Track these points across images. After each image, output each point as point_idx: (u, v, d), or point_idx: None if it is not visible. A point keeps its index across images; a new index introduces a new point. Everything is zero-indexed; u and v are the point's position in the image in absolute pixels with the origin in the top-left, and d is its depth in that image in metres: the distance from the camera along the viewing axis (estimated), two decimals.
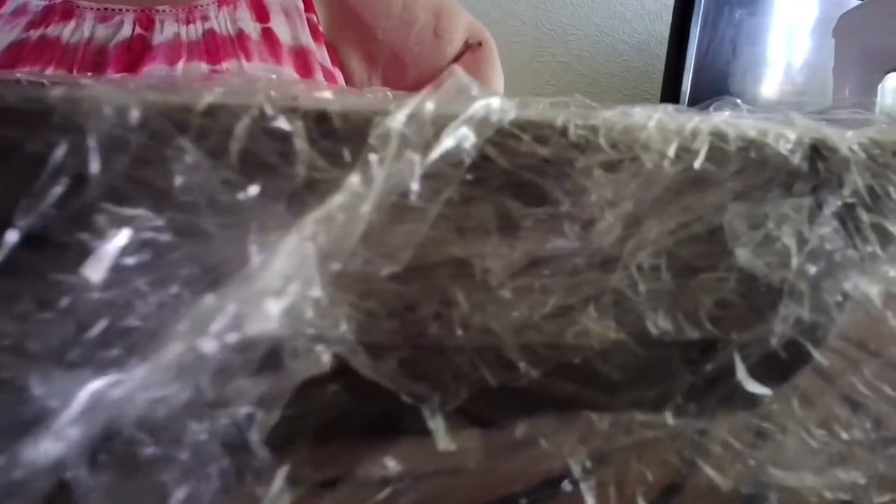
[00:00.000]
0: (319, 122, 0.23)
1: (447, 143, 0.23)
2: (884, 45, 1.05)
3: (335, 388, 0.25)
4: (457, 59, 1.10)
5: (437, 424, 0.25)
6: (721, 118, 0.29)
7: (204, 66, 0.87)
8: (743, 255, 0.30)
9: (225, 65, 0.88)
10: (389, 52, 1.03)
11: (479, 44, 1.10)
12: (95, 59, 0.84)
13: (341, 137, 0.23)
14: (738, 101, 0.39)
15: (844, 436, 0.31)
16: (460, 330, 0.27)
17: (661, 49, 1.67)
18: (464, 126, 0.24)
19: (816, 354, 0.30)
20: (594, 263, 0.28)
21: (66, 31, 0.83)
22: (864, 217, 0.30)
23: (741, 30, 1.73)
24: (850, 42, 1.09)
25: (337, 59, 1.00)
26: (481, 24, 1.06)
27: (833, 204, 0.30)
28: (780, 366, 0.30)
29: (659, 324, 0.29)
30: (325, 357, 0.24)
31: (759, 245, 0.30)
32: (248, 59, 0.90)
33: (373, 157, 0.22)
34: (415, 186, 0.24)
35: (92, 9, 0.86)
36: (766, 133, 0.29)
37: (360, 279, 0.24)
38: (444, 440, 0.25)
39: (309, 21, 0.96)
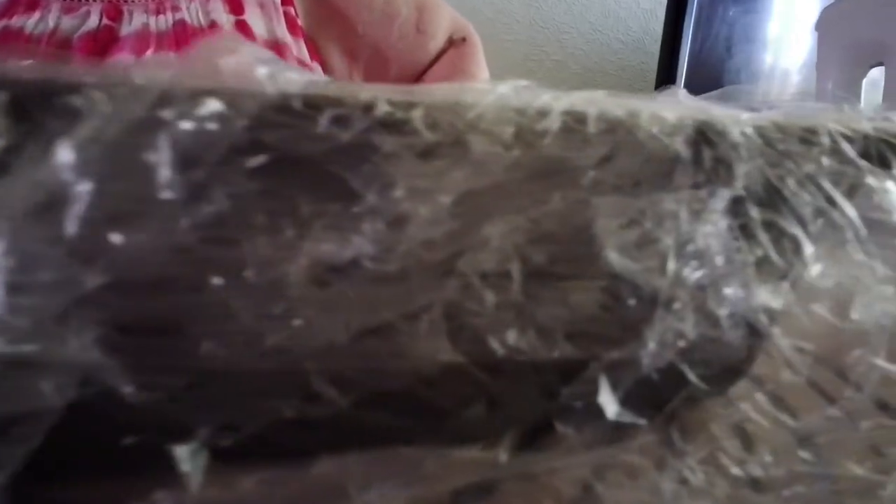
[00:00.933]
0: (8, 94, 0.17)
1: (183, 122, 0.17)
2: (868, 38, 0.97)
3: (68, 422, 0.19)
4: (440, 55, 1.03)
5: (194, 464, 0.19)
6: (581, 96, 0.23)
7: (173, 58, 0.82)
8: (613, 259, 0.23)
9: None
10: (371, 48, 0.96)
11: (463, 39, 1.03)
12: (59, 51, 0.79)
13: (35, 115, 0.17)
14: (683, 90, 0.32)
15: (736, 472, 0.25)
16: (245, 351, 0.21)
17: (657, 47, 1.60)
18: (214, 100, 0.18)
19: (693, 377, 0.23)
20: (415, 270, 0.21)
21: (29, 23, 0.79)
22: (756, 214, 0.24)
23: (735, 28, 1.65)
24: (834, 35, 1.01)
25: (317, 54, 0.94)
26: (467, 20, 0.99)
27: (721, 198, 0.24)
28: (656, 391, 0.24)
29: (507, 342, 0.23)
30: (46, 385, 0.18)
31: (633, 247, 0.24)
32: None
33: (63, 139, 0.16)
34: (164, 176, 0.18)
35: None
36: (637, 114, 0.23)
37: (86, 290, 0.18)
38: (198, 483, 0.19)
39: (286, 14, 0.90)
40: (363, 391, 0.21)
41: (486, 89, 0.22)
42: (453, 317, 0.22)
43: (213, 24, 0.85)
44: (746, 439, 0.25)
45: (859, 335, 0.24)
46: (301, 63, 0.90)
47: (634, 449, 0.24)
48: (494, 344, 0.23)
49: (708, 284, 0.23)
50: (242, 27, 0.87)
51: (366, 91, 0.20)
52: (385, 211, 0.20)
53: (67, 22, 0.80)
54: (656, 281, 0.23)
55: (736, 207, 0.24)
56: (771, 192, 0.24)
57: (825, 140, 0.25)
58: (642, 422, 0.23)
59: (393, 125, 0.20)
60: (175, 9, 0.85)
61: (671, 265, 0.23)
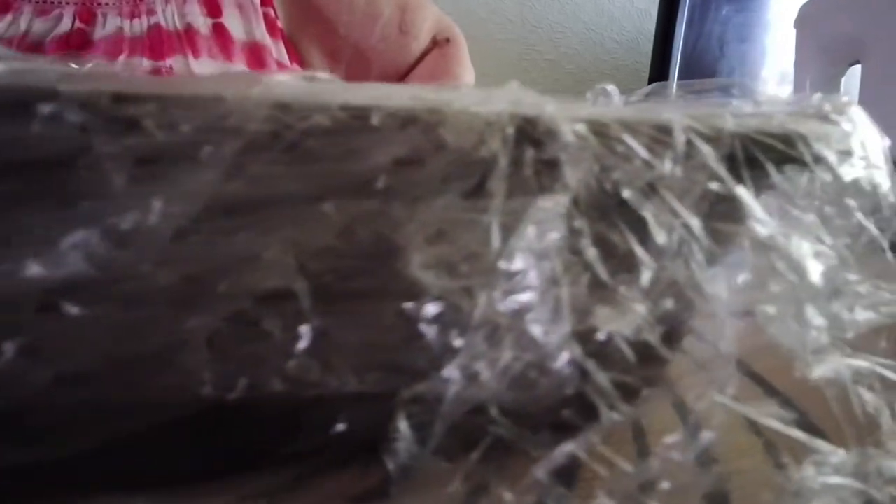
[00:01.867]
0: None
1: None
2: (847, 35, 0.90)
3: None
4: (424, 56, 0.99)
5: None
6: (371, 88, 0.18)
7: (146, 63, 0.79)
8: (415, 278, 0.19)
9: (169, 61, 0.79)
10: (352, 49, 0.92)
11: (447, 40, 0.98)
12: (30, 54, 0.76)
13: None
14: (612, 86, 0.28)
15: None
16: None
17: (651, 47, 1.53)
18: None
19: (504, 417, 0.19)
20: (156, 293, 0.17)
21: (0, 25, 0.75)
22: (585, 227, 0.19)
23: (728, 27, 1.58)
24: (812, 33, 0.95)
25: (297, 55, 0.90)
26: (460, 20, 0.94)
27: (544, 209, 0.19)
28: (466, 431, 0.19)
29: (287, 375, 0.19)
30: None
31: (438, 264, 0.19)
32: (196, 55, 0.81)
33: None
34: None
35: (30, 1, 0.78)
36: (439, 110, 0.18)
37: None
38: None
39: (265, 16, 0.86)
40: (93, 434, 0.17)
41: (249, 79, 0.17)
42: (216, 345, 0.18)
43: (188, 28, 0.81)
44: (580, 486, 0.20)
45: (701, 368, 0.19)
46: (280, 65, 0.86)
47: (441, 498, 0.19)
48: (271, 377, 0.18)
49: (525, 309, 0.19)
50: (220, 30, 0.83)
51: (86, 82, 0.16)
52: (104, 224, 0.16)
53: (39, 25, 0.77)
54: (465, 304, 0.19)
55: (562, 219, 0.19)
56: (605, 202, 0.19)
57: (679, 140, 0.20)
58: (449, 466, 0.19)
59: (117, 123, 0.16)
60: (150, 12, 0.81)
61: (483, 286, 0.19)
